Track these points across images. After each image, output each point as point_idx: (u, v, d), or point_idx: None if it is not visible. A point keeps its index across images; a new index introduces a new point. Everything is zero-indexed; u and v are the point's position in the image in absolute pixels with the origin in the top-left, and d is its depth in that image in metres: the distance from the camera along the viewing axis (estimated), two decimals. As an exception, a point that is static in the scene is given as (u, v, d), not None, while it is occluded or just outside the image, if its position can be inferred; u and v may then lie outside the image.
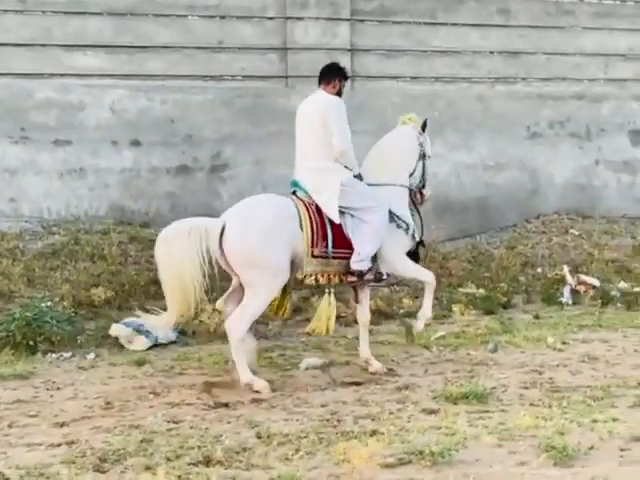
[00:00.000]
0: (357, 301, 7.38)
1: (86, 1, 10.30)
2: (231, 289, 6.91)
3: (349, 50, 11.27)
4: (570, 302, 10.09)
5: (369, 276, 7.01)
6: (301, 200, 6.93)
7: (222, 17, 10.82)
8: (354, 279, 7.00)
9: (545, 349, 7.97)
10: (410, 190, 7.55)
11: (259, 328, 8.45)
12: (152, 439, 5.33)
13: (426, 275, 7.41)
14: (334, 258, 6.88)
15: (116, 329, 7.86)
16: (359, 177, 7.20)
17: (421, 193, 7.73)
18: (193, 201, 10.66)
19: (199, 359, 7.45)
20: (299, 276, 6.86)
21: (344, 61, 11.14)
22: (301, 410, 6.04)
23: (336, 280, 6.99)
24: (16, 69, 10.13)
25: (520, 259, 11.19)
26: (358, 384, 6.77)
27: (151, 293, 8.74)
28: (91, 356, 7.57)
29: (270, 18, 11.00)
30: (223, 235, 6.54)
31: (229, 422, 5.75)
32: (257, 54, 10.96)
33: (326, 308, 7.04)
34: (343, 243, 6.90)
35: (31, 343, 7.52)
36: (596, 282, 10.37)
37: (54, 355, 7.59)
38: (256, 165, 10.91)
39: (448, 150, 11.71)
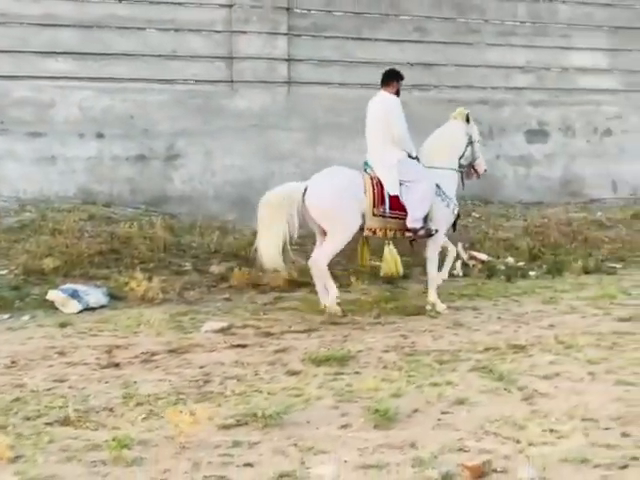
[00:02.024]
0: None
1: (58, 14, 9.67)
2: (317, 245, 7.47)
3: (287, 60, 10.62)
4: (461, 274, 9.47)
5: (422, 232, 7.35)
6: (368, 174, 7.38)
7: (176, 30, 10.18)
8: (410, 235, 7.40)
9: (421, 315, 7.37)
10: (461, 172, 7.86)
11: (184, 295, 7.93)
12: (26, 398, 4.76)
13: (434, 259, 7.68)
14: (391, 217, 7.26)
15: (52, 294, 7.27)
16: (416, 159, 7.50)
17: (475, 170, 8.03)
18: (149, 185, 10.09)
19: (116, 322, 6.84)
20: (366, 231, 7.30)
21: (282, 69, 10.62)
22: (179, 371, 5.46)
23: (392, 235, 7.40)
24: (-2, 72, 9.53)
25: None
26: (243, 346, 6.17)
27: (95, 262, 8.18)
28: (25, 318, 6.97)
29: (218, 31, 10.35)
30: (305, 195, 7.11)
31: (107, 382, 5.17)
32: (206, 62, 10.32)
33: (389, 256, 7.40)
34: (398, 207, 7.24)
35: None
36: (485, 257, 9.75)
37: (-6, 316, 7.03)
38: (205, 155, 10.31)
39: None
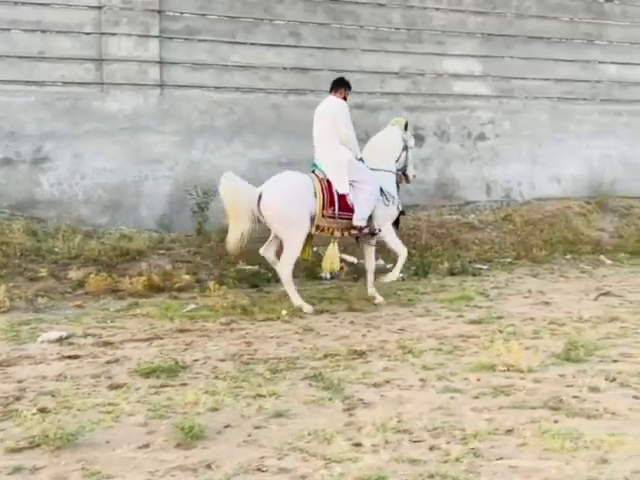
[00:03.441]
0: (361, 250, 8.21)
1: None
2: (270, 239, 7.73)
3: (158, 62, 10.14)
4: (328, 277, 9.20)
5: (366, 230, 7.69)
6: (317, 176, 7.61)
7: (43, 31, 9.60)
8: (355, 232, 7.72)
9: (277, 321, 7.04)
10: (396, 174, 8.22)
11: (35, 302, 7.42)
12: None
13: (400, 248, 8.07)
14: (340, 218, 7.58)
15: None
16: (361, 160, 7.81)
17: (405, 175, 8.46)
18: (16, 189, 9.50)
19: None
20: (314, 230, 7.55)
21: (153, 72, 10.18)
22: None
23: (339, 234, 7.72)
24: None
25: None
26: (75, 357, 5.72)
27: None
28: None
29: (87, 33, 9.82)
30: (260, 201, 7.35)
31: None
32: (75, 64, 9.78)
33: (331, 253, 7.76)
34: (346, 208, 7.56)
35: None
36: (354, 260, 9.49)
37: None
38: (74, 158, 9.76)
39: (246, 148, 10.71)
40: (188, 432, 4.05)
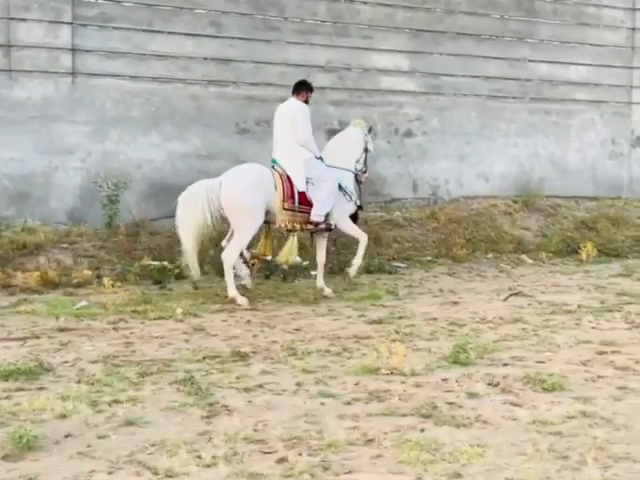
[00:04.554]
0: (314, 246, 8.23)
1: None
2: (229, 233, 7.72)
3: (71, 50, 9.71)
4: (241, 274, 8.85)
5: (322, 226, 7.87)
6: (277, 171, 7.71)
7: (-54, 15, 9.12)
8: (312, 227, 7.87)
9: (169, 320, 6.69)
10: (355, 173, 8.36)
11: None
12: None
13: (360, 234, 8.22)
14: (300, 212, 7.70)
15: None
16: (320, 159, 7.98)
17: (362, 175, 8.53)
18: None
19: None
20: (274, 223, 7.71)
21: (65, 60, 9.75)
22: None
23: (298, 227, 7.81)
24: None
25: (215, 234, 9.87)
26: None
27: None
28: None
29: (-6, 18, 9.35)
30: (220, 190, 7.39)
31: None
32: (-18, 50, 9.31)
33: (289, 247, 7.86)
34: (305, 202, 7.70)
35: None
36: (268, 257, 9.14)
37: None
38: (-19, 148, 9.28)
39: (164, 140, 10.34)
40: (18, 442, 3.71)
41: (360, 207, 8.41)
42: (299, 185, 7.71)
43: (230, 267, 7.47)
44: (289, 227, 7.81)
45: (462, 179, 12.23)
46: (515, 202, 12.03)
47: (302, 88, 8.15)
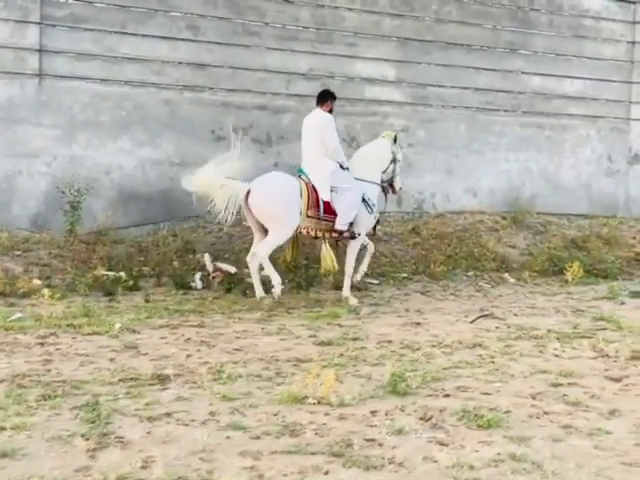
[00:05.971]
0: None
1: None
2: (254, 245, 7.91)
3: (38, 51, 9.37)
4: (199, 287, 8.48)
5: (346, 234, 8.01)
6: (302, 180, 7.92)
7: None
8: (336, 235, 8.05)
9: (103, 336, 6.27)
10: (382, 186, 8.47)
11: None
12: None
13: (349, 267, 8.19)
14: (324, 220, 7.89)
15: None
16: (346, 169, 8.08)
17: (392, 186, 8.63)
18: None
19: None
20: (298, 229, 7.85)
21: (32, 60, 9.42)
22: None
23: (321, 235, 8.04)
24: None
25: (180, 245, 9.48)
26: None
27: None
28: None
29: (-42, 16, 9.03)
30: (249, 197, 7.64)
31: None
32: (-56, 49, 8.98)
33: (326, 253, 8.03)
34: (330, 211, 7.88)
35: None
36: (232, 269, 8.75)
37: None
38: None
39: (135, 146, 9.97)
40: None
41: (378, 221, 8.56)
42: (324, 194, 7.85)
43: (264, 259, 7.62)
44: (312, 234, 8.02)
45: (449, 193, 11.77)
46: (504, 218, 11.58)
47: (327, 98, 8.22)
